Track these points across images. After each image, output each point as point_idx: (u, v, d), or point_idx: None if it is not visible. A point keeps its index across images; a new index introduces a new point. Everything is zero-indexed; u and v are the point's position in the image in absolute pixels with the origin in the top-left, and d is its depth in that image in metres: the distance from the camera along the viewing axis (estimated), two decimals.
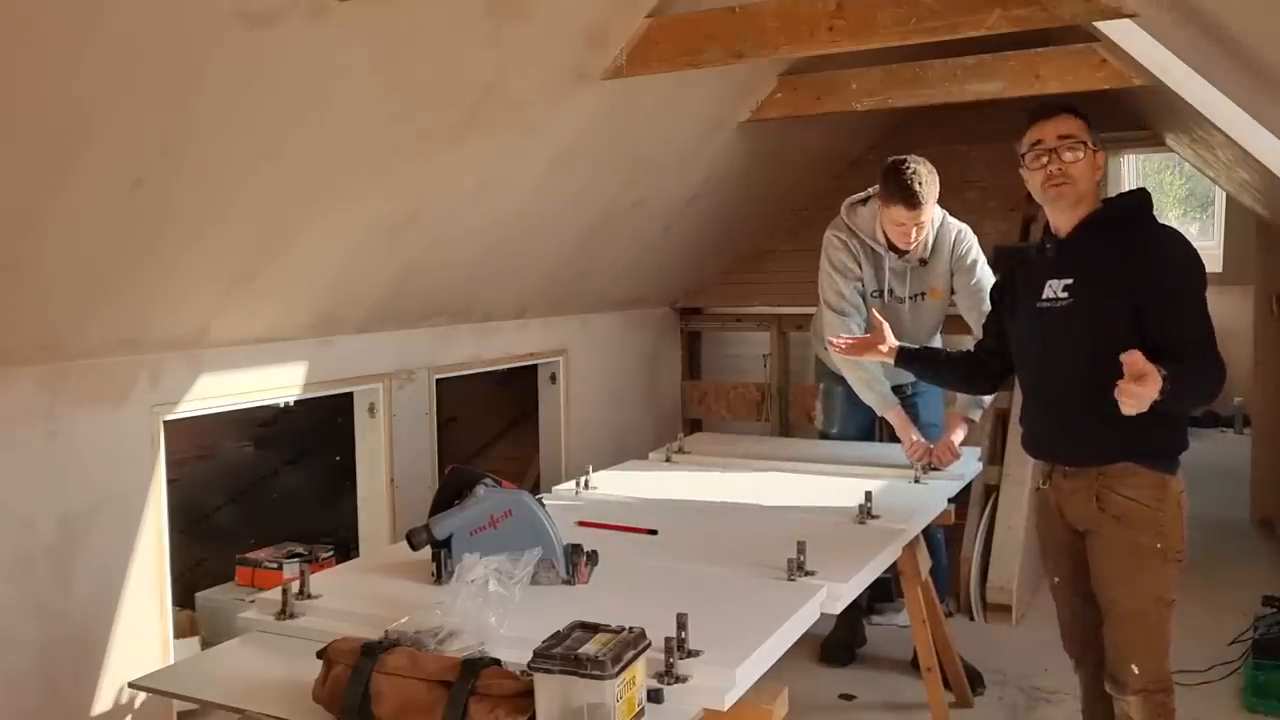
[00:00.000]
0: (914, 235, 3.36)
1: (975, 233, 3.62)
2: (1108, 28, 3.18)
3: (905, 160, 3.28)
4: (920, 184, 3.24)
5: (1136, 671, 2.45)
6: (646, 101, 3.71)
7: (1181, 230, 2.59)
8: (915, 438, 3.40)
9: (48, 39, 1.94)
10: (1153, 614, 2.47)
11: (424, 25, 2.61)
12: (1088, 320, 2.40)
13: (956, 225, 3.54)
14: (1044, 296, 2.47)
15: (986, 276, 3.53)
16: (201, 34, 2.16)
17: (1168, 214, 10.69)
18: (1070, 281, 2.43)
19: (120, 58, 2.08)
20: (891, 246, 3.45)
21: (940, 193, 3.38)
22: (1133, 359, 2.10)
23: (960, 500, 3.52)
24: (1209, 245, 9.67)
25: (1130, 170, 9.50)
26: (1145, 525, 2.39)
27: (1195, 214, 10.49)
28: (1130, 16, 2.71)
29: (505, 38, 2.87)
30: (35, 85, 2.01)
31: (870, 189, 3.53)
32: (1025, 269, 2.58)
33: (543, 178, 3.66)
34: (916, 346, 3.11)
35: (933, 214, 3.40)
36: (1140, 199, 2.49)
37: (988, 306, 3.32)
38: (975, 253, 3.54)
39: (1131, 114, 5.43)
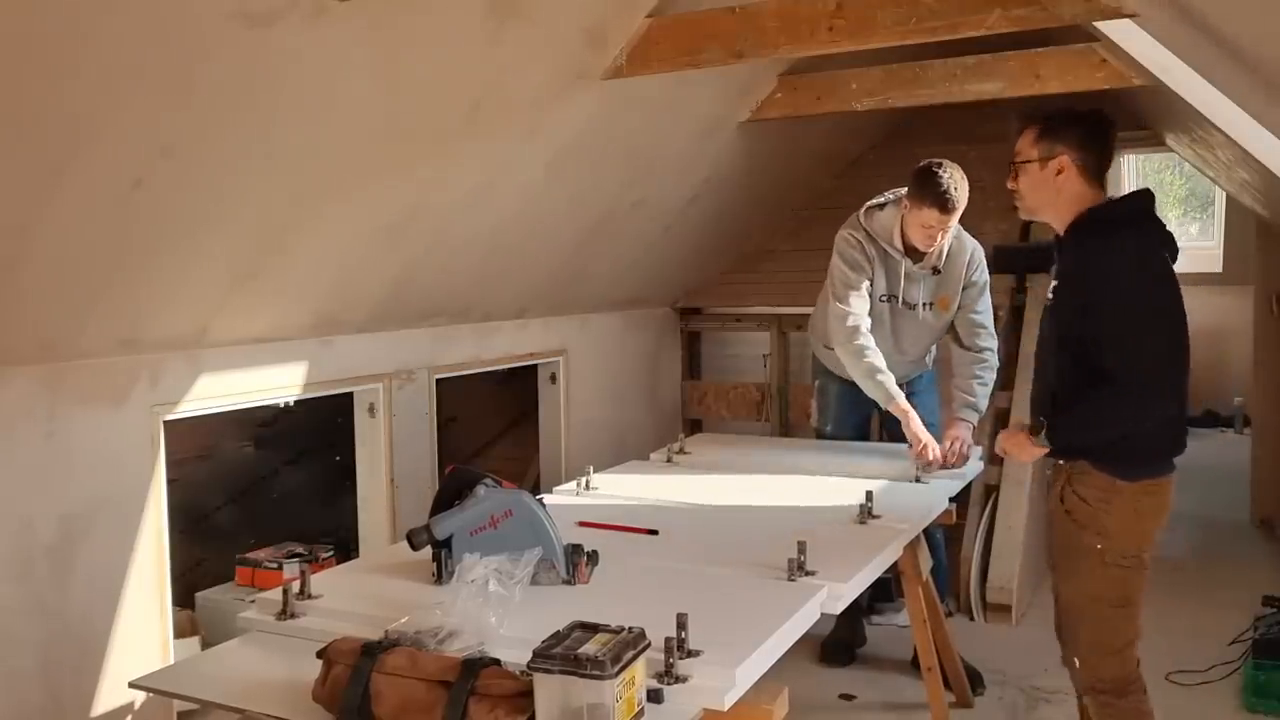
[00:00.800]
0: (939, 238, 3.37)
1: (975, 233, 3.63)
2: (1108, 28, 3.18)
3: (942, 164, 3.29)
4: (955, 189, 3.26)
5: (1077, 665, 2.49)
6: (646, 101, 3.71)
7: (1180, 230, 2.65)
8: (923, 436, 3.35)
9: (48, 39, 1.94)
10: (1088, 611, 2.46)
11: (424, 25, 2.61)
12: (1058, 322, 2.46)
13: (972, 243, 3.54)
14: (1047, 296, 2.54)
15: (987, 305, 3.57)
16: (201, 34, 2.16)
17: (1168, 214, 10.67)
18: (1056, 284, 2.49)
19: (120, 58, 2.08)
20: (908, 251, 3.45)
21: None
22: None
23: (960, 500, 3.51)
24: (1209, 245, 9.65)
25: (1130, 170, 9.49)
26: (1087, 523, 2.41)
27: (1195, 214, 10.47)
28: (1130, 16, 2.71)
29: (505, 38, 2.87)
30: (35, 85, 2.01)
31: (887, 195, 3.51)
32: None
33: (543, 178, 3.66)
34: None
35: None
36: (1119, 207, 2.49)
37: (981, 329, 3.48)
38: (985, 275, 3.56)
39: (1131, 114, 5.43)
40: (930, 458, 3.29)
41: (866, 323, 3.48)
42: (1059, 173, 2.41)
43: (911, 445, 3.36)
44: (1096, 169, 2.44)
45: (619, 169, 4.03)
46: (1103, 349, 2.32)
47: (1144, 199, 2.51)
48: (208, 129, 2.40)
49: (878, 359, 3.44)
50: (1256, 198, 5.24)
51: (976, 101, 4.04)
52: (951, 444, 3.36)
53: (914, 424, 3.36)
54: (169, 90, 2.23)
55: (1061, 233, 2.48)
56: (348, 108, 2.68)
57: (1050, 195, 2.44)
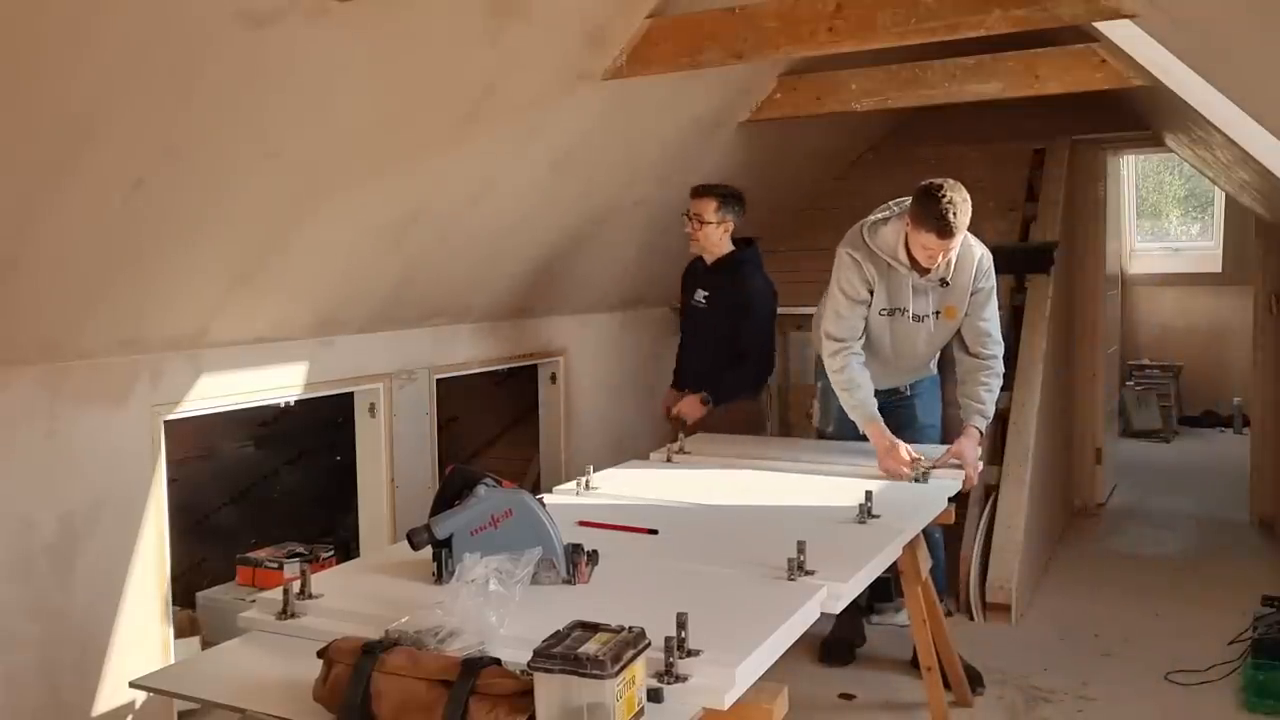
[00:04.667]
0: (940, 259, 3.32)
1: (974, 234, 3.60)
2: (1107, 28, 3.18)
3: (942, 187, 3.20)
4: (955, 214, 3.17)
5: None
6: (646, 101, 3.71)
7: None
8: (891, 460, 3.29)
9: (48, 39, 1.95)
10: None
11: (424, 25, 2.62)
12: None
13: (979, 249, 3.46)
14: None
15: (994, 311, 3.52)
16: (202, 34, 2.17)
17: (1168, 214, 10.67)
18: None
19: (120, 58, 2.09)
20: (914, 265, 3.41)
21: None
22: None
23: (960, 500, 3.51)
24: (1208, 245, 9.65)
25: (1130, 170, 9.47)
26: None
27: (1195, 214, 10.47)
28: (1130, 17, 2.71)
29: (505, 38, 2.88)
30: (36, 85, 2.01)
31: (891, 207, 3.46)
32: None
33: (543, 178, 3.66)
34: None
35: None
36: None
37: (987, 336, 3.50)
38: (992, 281, 3.50)
39: (1131, 114, 5.44)
40: (899, 472, 3.25)
41: (854, 350, 3.47)
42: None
43: (880, 461, 3.32)
44: None
45: (619, 169, 4.04)
46: None
47: None
48: (209, 129, 2.40)
49: (863, 393, 3.44)
50: (1256, 198, 5.25)
51: (976, 101, 4.04)
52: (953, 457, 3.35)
53: (887, 457, 3.30)
54: (170, 90, 2.23)
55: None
56: (348, 108, 2.68)
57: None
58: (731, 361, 4.03)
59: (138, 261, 2.59)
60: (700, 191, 3.99)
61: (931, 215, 3.20)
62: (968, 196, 3.24)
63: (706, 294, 4.07)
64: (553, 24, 3.00)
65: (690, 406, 4.02)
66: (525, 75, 3.10)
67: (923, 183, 3.27)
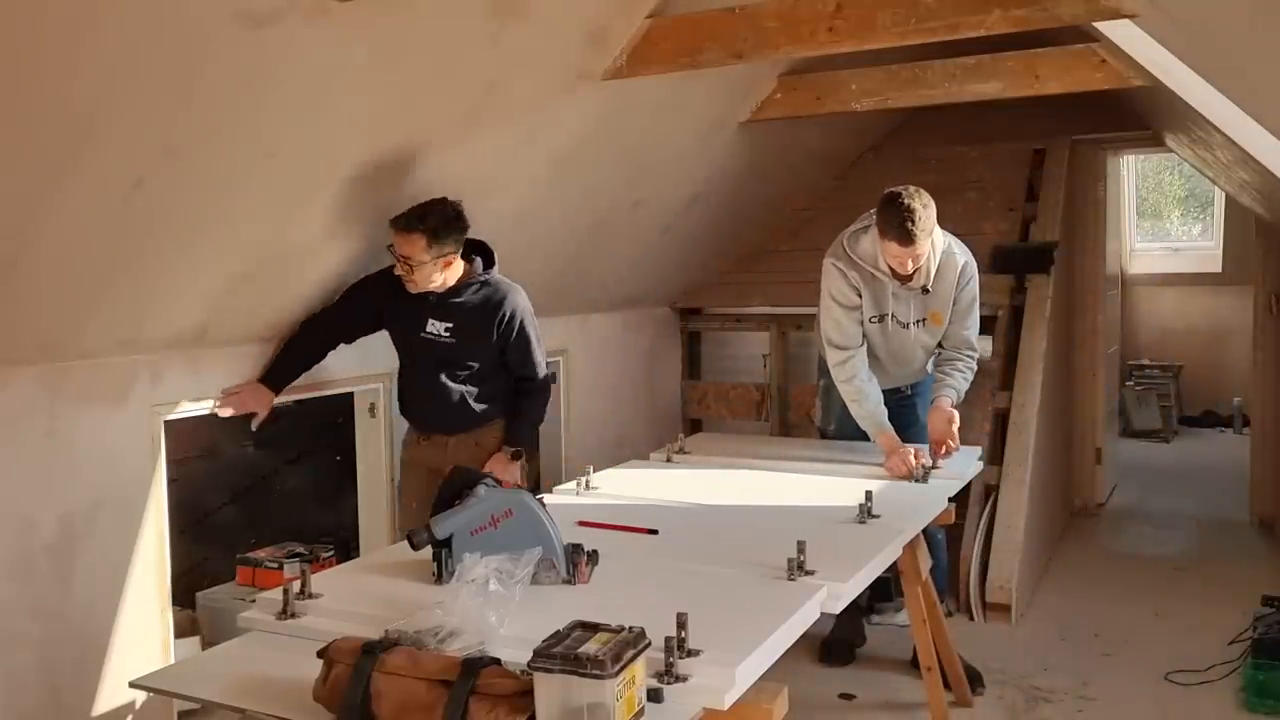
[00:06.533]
0: (910, 266, 3.33)
1: (975, 233, 3.62)
2: (1107, 28, 3.18)
3: (900, 195, 3.21)
4: (914, 222, 3.18)
5: None
6: (646, 101, 3.71)
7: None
8: (896, 458, 3.32)
9: (48, 39, 1.94)
10: None
11: (424, 25, 2.62)
12: None
13: (963, 256, 3.47)
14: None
15: (975, 319, 3.57)
16: (201, 34, 2.16)
17: (1168, 214, 10.66)
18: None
19: (120, 58, 2.08)
20: (894, 274, 3.42)
21: (940, 195, 3.35)
22: None
23: (960, 500, 3.52)
24: (1209, 245, 9.65)
25: (1130, 170, 9.47)
26: None
27: (1195, 214, 10.46)
28: (1130, 17, 2.71)
29: (506, 38, 2.87)
30: (36, 85, 2.01)
31: (867, 218, 3.45)
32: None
33: (543, 178, 3.66)
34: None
35: (931, 244, 3.34)
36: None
37: (965, 343, 3.53)
38: (975, 289, 3.52)
39: (1131, 114, 5.44)
40: (904, 471, 3.27)
41: (860, 357, 3.50)
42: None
43: (885, 462, 3.35)
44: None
45: (619, 169, 4.03)
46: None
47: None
48: (208, 129, 2.39)
49: (871, 403, 3.48)
50: (1256, 198, 5.25)
51: (976, 101, 4.04)
52: (944, 449, 3.39)
53: (893, 459, 3.33)
54: (170, 90, 2.23)
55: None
56: (348, 108, 2.68)
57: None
58: (504, 393, 3.45)
59: (138, 261, 2.59)
60: (402, 226, 3.07)
61: (892, 224, 3.22)
62: (929, 202, 3.25)
63: (449, 325, 3.26)
64: (553, 24, 3.00)
65: (506, 471, 3.26)
66: (525, 75, 3.10)
67: (885, 191, 3.29)
